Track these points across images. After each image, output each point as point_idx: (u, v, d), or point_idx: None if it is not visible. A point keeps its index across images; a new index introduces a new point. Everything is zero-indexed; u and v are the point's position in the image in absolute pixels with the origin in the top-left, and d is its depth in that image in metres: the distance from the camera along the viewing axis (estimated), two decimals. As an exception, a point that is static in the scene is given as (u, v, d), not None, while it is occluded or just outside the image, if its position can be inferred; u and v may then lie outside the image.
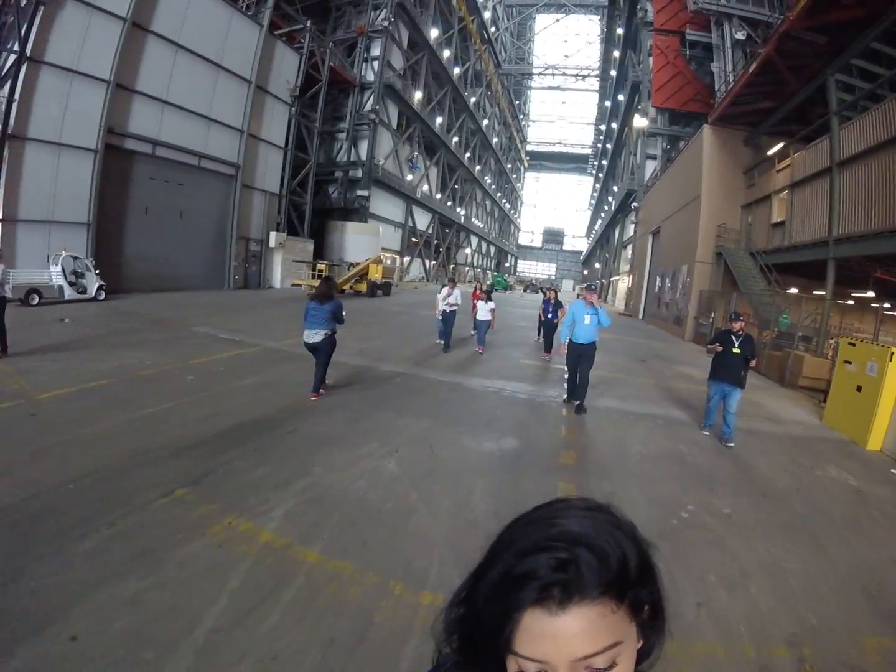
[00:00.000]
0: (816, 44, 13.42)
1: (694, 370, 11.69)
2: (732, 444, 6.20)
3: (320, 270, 24.46)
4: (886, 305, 19.36)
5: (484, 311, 11.26)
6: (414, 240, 45.08)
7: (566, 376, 7.69)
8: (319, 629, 2.50)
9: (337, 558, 3.13)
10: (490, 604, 0.53)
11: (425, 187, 45.58)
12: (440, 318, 11.16)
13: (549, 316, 11.95)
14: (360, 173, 33.19)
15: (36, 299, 13.61)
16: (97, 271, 15.61)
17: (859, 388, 7.24)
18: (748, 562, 3.55)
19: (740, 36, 21.06)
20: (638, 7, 34.35)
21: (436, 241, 51.13)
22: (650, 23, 30.92)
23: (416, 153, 42.66)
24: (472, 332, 12.70)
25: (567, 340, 7.22)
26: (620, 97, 45.17)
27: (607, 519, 0.57)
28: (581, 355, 7.11)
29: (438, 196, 49.58)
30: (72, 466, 4.04)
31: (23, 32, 14.45)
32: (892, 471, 6.04)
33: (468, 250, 65.66)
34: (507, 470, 4.87)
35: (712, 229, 19.38)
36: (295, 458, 4.56)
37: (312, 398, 6.41)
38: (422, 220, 46.23)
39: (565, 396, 7.67)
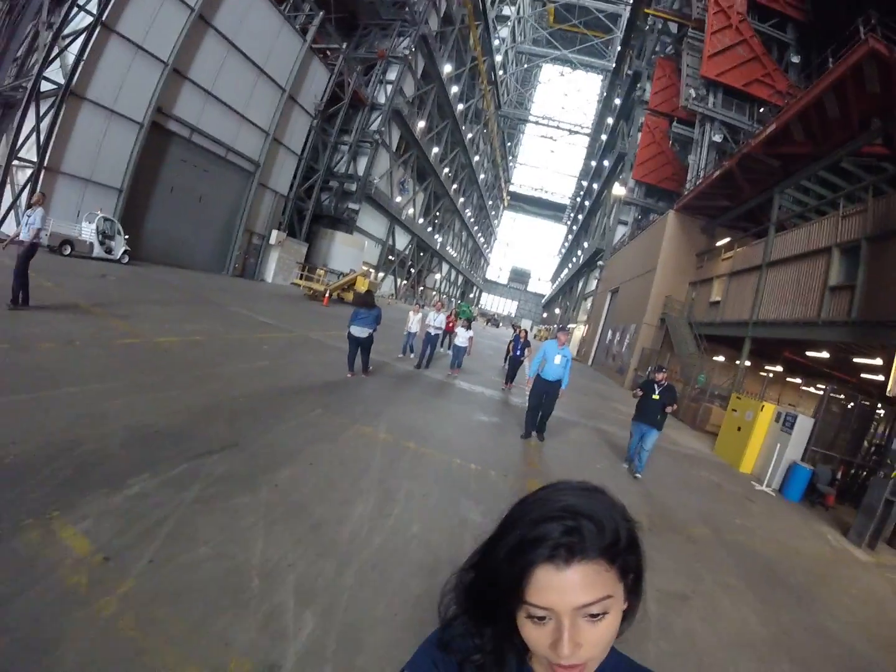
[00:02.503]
0: (771, 165, 16.51)
1: (622, 406, 14.79)
2: (640, 476, 7.03)
3: (319, 275, 26.84)
4: (797, 379, 23.57)
5: (463, 337, 12.01)
6: (391, 258, 46.80)
7: (526, 413, 7.76)
8: (428, 469, 5.13)
9: (424, 448, 5.74)
10: (508, 562, 0.66)
11: (410, 210, 47.78)
12: (408, 333, 12.24)
13: (518, 353, 12.02)
14: (354, 187, 34.31)
15: (68, 250, 14.95)
16: (126, 236, 17.09)
17: (739, 429, 10.28)
18: (625, 487, 6.31)
19: (717, 139, 24.60)
20: (638, 85, 37.92)
21: (410, 263, 53.31)
22: (646, 101, 34.01)
23: (408, 177, 45.05)
24: (448, 351, 13.61)
25: (535, 375, 7.47)
26: (605, 162, 48.91)
27: (604, 498, 0.70)
28: (546, 392, 7.41)
29: (421, 220, 51.77)
30: (234, 390, 5.86)
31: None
32: (752, 482, 8.94)
33: (438, 276, 67.56)
34: (496, 429, 7.87)
35: (661, 298, 22.71)
36: (374, 404, 7.13)
37: (364, 375, 8.81)
38: (401, 241, 48.25)
39: (522, 433, 7.63)
